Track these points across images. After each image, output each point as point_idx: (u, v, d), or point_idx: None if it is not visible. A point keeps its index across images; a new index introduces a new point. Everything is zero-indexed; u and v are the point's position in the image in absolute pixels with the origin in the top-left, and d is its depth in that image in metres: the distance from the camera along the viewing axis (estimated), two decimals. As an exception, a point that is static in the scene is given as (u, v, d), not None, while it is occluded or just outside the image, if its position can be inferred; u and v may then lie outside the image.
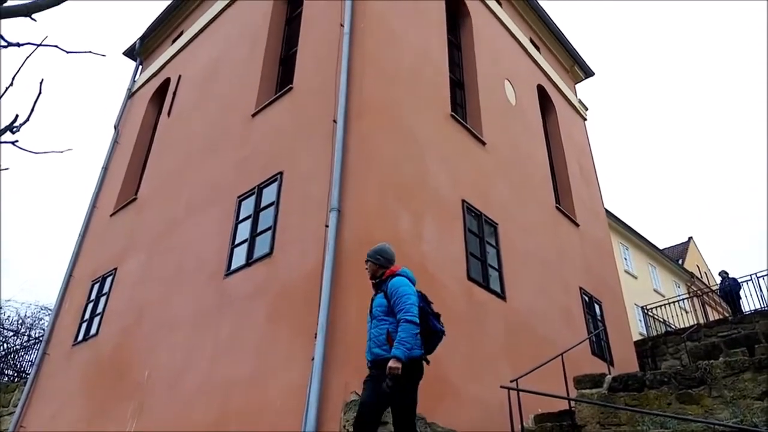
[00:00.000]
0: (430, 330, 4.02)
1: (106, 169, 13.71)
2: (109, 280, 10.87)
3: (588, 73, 16.91)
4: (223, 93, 11.02)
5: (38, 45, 1.88)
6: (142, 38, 15.55)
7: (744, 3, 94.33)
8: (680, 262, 31.51)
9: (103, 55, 2.15)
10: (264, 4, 11.36)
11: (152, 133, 13.35)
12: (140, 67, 15.82)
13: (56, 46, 1.96)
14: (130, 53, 15.98)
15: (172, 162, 11.33)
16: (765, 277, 14.17)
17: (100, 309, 10.61)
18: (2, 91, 2.04)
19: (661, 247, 29.30)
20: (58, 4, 1.72)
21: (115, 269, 10.85)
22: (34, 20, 1.75)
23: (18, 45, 1.88)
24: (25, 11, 1.71)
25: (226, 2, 12.86)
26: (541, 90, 14.18)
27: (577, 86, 16.89)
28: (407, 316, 3.82)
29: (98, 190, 13.45)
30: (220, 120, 10.57)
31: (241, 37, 11.52)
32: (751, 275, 14.51)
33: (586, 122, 16.22)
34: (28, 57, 1.93)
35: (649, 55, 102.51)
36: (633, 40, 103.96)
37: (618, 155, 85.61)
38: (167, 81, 13.73)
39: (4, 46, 1.82)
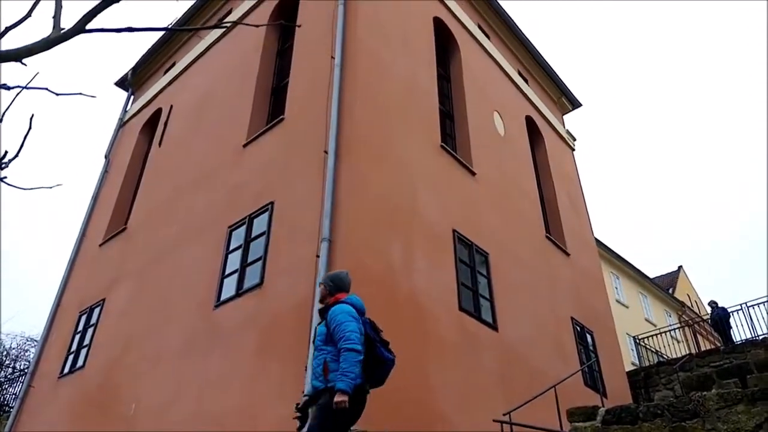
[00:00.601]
0: (378, 359, 3.81)
1: (96, 198, 13.65)
2: (97, 311, 10.72)
3: (575, 104, 17.18)
4: (215, 123, 11.07)
5: (27, 88, 1.89)
6: (134, 69, 15.65)
7: (716, 43, 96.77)
8: (670, 291, 31.59)
9: (93, 96, 2.16)
10: (256, 36, 11.51)
11: (143, 163, 13.34)
12: (132, 97, 15.88)
13: (46, 89, 1.96)
14: (122, 84, 16.06)
15: (162, 192, 11.30)
16: (754, 307, 14.22)
17: (87, 340, 10.44)
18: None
19: (651, 276, 29.40)
20: (49, 48, 1.73)
21: (103, 300, 10.71)
22: (25, 65, 1.76)
23: (7, 88, 1.88)
24: (16, 56, 1.72)
25: (219, 34, 13.01)
26: (529, 121, 14.38)
27: (565, 117, 17.15)
28: (347, 344, 3.59)
29: (87, 219, 13.36)
30: (211, 150, 10.59)
31: (233, 68, 11.63)
32: (740, 305, 14.55)
33: (574, 152, 16.41)
34: (15, 98, 1.93)
35: (635, 84, 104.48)
36: (619, 71, 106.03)
37: (606, 184, 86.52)
38: (159, 111, 13.79)
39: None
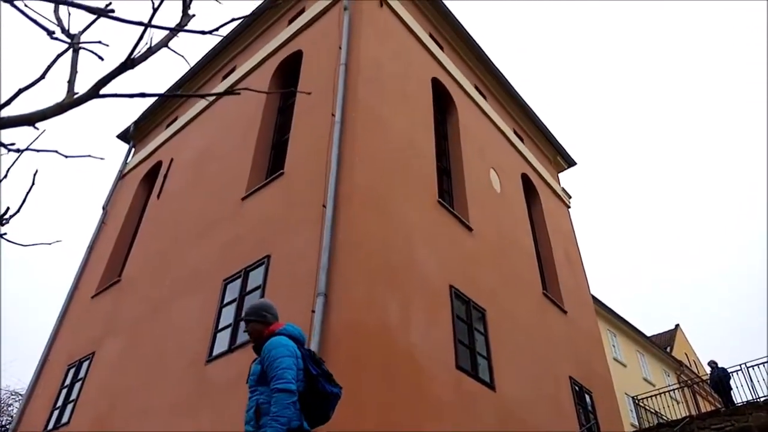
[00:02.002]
0: (321, 394, 3.45)
1: (91, 249, 13.59)
2: (86, 364, 10.49)
3: (570, 162, 17.46)
4: (214, 177, 11.17)
5: (38, 150, 1.92)
6: (137, 122, 15.92)
7: (706, 96, 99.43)
8: (668, 349, 31.19)
9: (102, 159, 2.19)
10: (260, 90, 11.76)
11: (140, 215, 13.37)
12: (133, 150, 16.08)
13: (56, 151, 1.99)
14: (123, 136, 16.30)
15: (158, 244, 11.27)
16: (755, 368, 14.00)
17: (74, 395, 10.15)
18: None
19: (648, 335, 29.08)
20: (62, 113, 1.76)
21: (93, 353, 10.49)
22: (37, 128, 1.79)
23: (18, 151, 1.91)
24: (29, 120, 1.75)
25: (223, 89, 13.31)
26: (525, 178, 14.57)
27: (561, 175, 17.39)
28: (279, 384, 3.23)
29: (81, 270, 13.26)
30: (209, 203, 10.65)
31: (235, 124, 11.84)
32: (740, 365, 14.31)
33: (570, 210, 16.55)
34: (17, 158, 1.95)
35: (630, 141, 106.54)
36: (613, 128, 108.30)
37: (601, 241, 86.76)
38: (159, 164, 13.93)
39: (4, 153, 1.86)
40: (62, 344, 11.83)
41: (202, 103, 13.73)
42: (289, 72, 11.86)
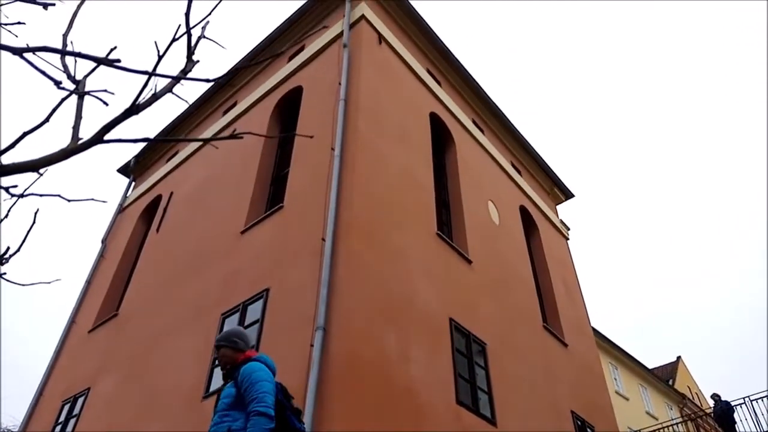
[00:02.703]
0: (290, 428, 3.29)
1: (89, 283, 13.54)
2: (81, 400, 10.34)
3: (568, 194, 17.56)
4: (214, 210, 11.21)
5: (41, 195, 1.95)
6: (137, 157, 16.04)
7: (705, 118, 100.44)
8: (670, 382, 30.80)
9: (104, 201, 2.22)
10: (259, 126, 11.92)
11: (139, 249, 13.37)
12: (133, 183, 16.17)
13: (59, 195, 2.02)
14: (124, 170, 16.41)
15: (157, 278, 11.25)
16: (759, 401, 13.82)
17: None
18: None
19: (650, 367, 28.75)
20: (66, 158, 1.80)
21: (88, 389, 10.36)
22: (41, 174, 1.83)
23: (22, 196, 1.95)
24: (33, 166, 1.79)
25: (224, 124, 13.47)
26: (523, 210, 14.63)
27: (559, 207, 17.46)
28: (259, 406, 3.05)
29: (79, 304, 13.18)
30: (208, 237, 10.66)
31: (235, 157, 11.94)
32: (744, 398, 14.15)
33: (568, 242, 16.57)
34: (16, 200, 1.98)
35: (628, 172, 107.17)
36: (611, 160, 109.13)
37: (600, 273, 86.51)
38: (159, 198, 13.99)
39: (7, 198, 1.89)
40: (58, 379, 11.68)
41: (202, 136, 13.88)
42: (289, 107, 12.02)
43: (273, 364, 3.50)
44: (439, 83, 13.42)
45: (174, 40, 1.91)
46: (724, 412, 14.64)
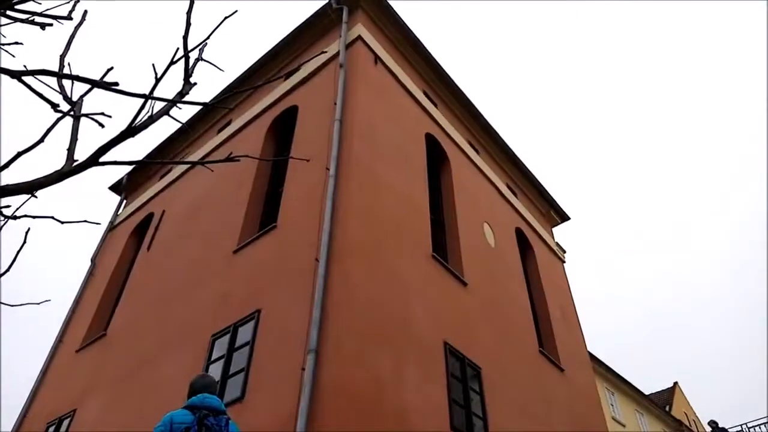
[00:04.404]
0: None
1: (77, 302, 13.33)
2: (66, 422, 10.09)
3: (564, 217, 17.56)
4: (206, 229, 11.10)
5: (34, 217, 1.88)
6: (130, 174, 15.94)
7: (700, 138, 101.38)
8: (667, 408, 30.57)
9: (98, 223, 2.16)
10: (254, 145, 11.88)
11: (129, 268, 13.20)
12: (124, 201, 16.04)
13: (52, 217, 1.96)
14: (116, 188, 16.28)
15: (147, 297, 11.08)
16: (756, 428, 13.72)
17: (50, 456, 9.72)
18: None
19: (646, 393, 28.53)
20: (61, 180, 1.75)
21: (74, 411, 10.12)
22: (36, 197, 1.78)
23: (15, 218, 1.88)
24: (28, 189, 1.74)
25: (218, 142, 13.42)
26: (519, 233, 14.59)
27: (555, 229, 17.45)
28: None
29: (66, 323, 12.96)
30: (200, 256, 10.53)
31: (229, 175, 11.86)
32: (742, 425, 14.06)
33: (564, 265, 16.52)
34: (5, 223, 1.91)
35: (624, 194, 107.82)
36: (606, 182, 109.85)
37: (596, 296, 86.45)
38: (150, 216, 13.87)
39: (4, 222, 1.83)
40: (43, 400, 11.42)
41: (196, 155, 13.81)
42: (284, 126, 12.00)
43: (199, 401, 3.69)
44: (435, 104, 13.46)
45: (172, 63, 1.86)
46: (720, 439, 14.52)
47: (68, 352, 12.03)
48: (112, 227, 15.24)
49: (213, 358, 8.21)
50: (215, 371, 7.97)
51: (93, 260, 14.37)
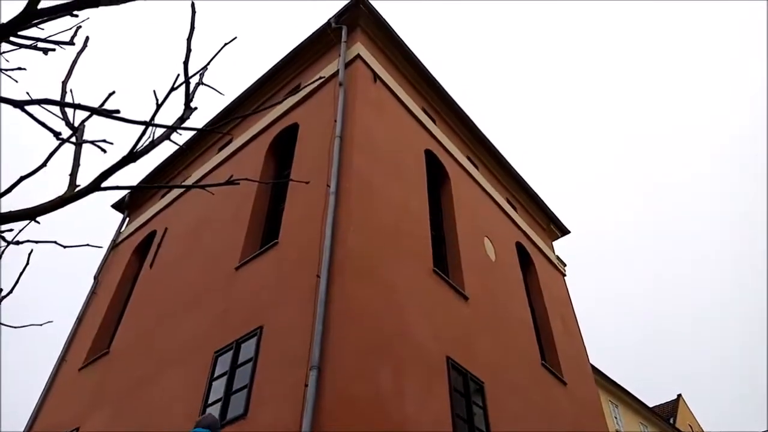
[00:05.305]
0: None
1: (80, 320, 13.37)
2: (68, 441, 10.08)
3: (564, 230, 17.60)
4: (209, 246, 11.16)
5: (36, 242, 1.95)
6: (132, 192, 16.04)
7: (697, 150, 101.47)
8: (672, 421, 30.35)
9: (100, 247, 2.22)
10: (255, 163, 11.99)
11: (132, 285, 13.25)
12: (127, 219, 16.13)
13: (54, 242, 2.03)
14: (118, 206, 16.38)
15: (150, 315, 11.12)
16: (761, 440, 13.61)
17: (53, 476, 9.70)
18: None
19: (650, 405, 28.34)
20: (63, 206, 1.81)
21: (77, 429, 10.11)
22: (38, 222, 1.84)
23: (17, 243, 1.94)
24: (30, 215, 1.80)
25: (219, 161, 13.53)
26: (519, 247, 14.62)
27: (555, 242, 17.48)
28: None
29: (69, 341, 12.98)
30: (203, 273, 10.59)
31: (231, 193, 11.93)
32: (746, 438, 13.93)
33: (565, 278, 16.52)
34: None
35: (625, 206, 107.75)
36: (606, 195, 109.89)
37: (597, 309, 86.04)
38: (153, 233, 13.95)
39: (5, 247, 1.89)
40: (46, 419, 11.41)
41: (199, 173, 13.92)
42: (284, 144, 12.12)
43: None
44: (433, 120, 13.58)
45: (173, 89, 1.93)
46: (726, 451, 14.39)
47: (71, 370, 12.04)
48: (114, 245, 15.31)
49: (216, 375, 8.23)
50: (218, 388, 8.00)
51: (96, 278, 14.43)
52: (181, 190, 14.04)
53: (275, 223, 10.43)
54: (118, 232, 15.71)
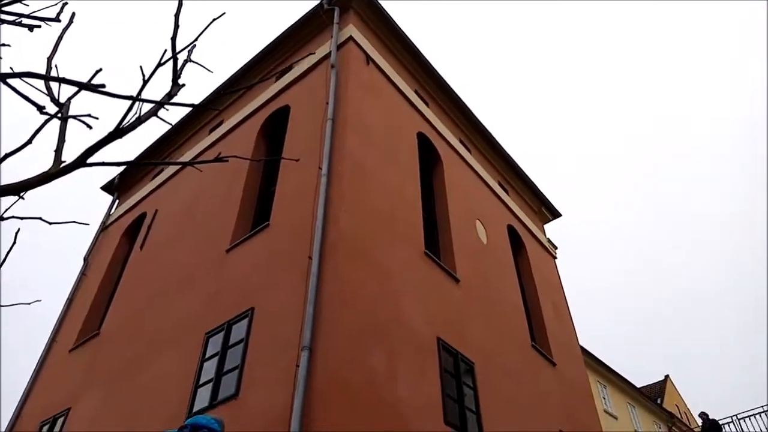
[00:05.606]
0: None
1: (70, 301, 13.33)
2: (60, 420, 10.11)
3: (555, 213, 17.66)
4: (199, 228, 11.12)
5: (22, 218, 1.92)
6: (122, 173, 15.92)
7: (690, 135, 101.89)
8: (659, 401, 30.83)
9: (87, 224, 2.20)
10: (246, 144, 11.90)
11: (122, 267, 13.20)
12: (117, 201, 16.02)
13: (40, 218, 2.00)
14: (108, 188, 16.26)
15: (140, 296, 11.10)
16: (746, 419, 13.89)
17: (45, 456, 9.74)
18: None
19: (638, 386, 28.77)
20: (48, 182, 1.78)
21: (69, 409, 10.14)
22: (23, 198, 1.81)
23: (1, 219, 1.91)
24: (15, 190, 1.77)
25: (210, 143, 13.43)
26: (511, 230, 14.67)
27: (546, 225, 17.55)
28: None
29: (60, 323, 12.96)
30: (193, 255, 10.56)
31: (222, 175, 11.88)
32: (732, 417, 14.22)
33: (556, 260, 16.62)
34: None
35: (615, 189, 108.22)
36: (597, 179, 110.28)
37: (587, 291, 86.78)
38: (143, 215, 13.87)
39: None
40: (37, 400, 11.43)
41: (188, 155, 13.81)
42: (276, 126, 12.03)
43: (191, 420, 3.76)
44: (426, 103, 13.51)
45: (160, 64, 1.90)
46: (712, 430, 14.68)
47: (62, 351, 12.03)
48: (104, 227, 15.22)
49: (207, 356, 8.25)
50: (209, 369, 8.03)
51: (86, 259, 14.36)
52: (171, 172, 13.94)
53: (266, 205, 10.39)
54: (108, 214, 15.62)
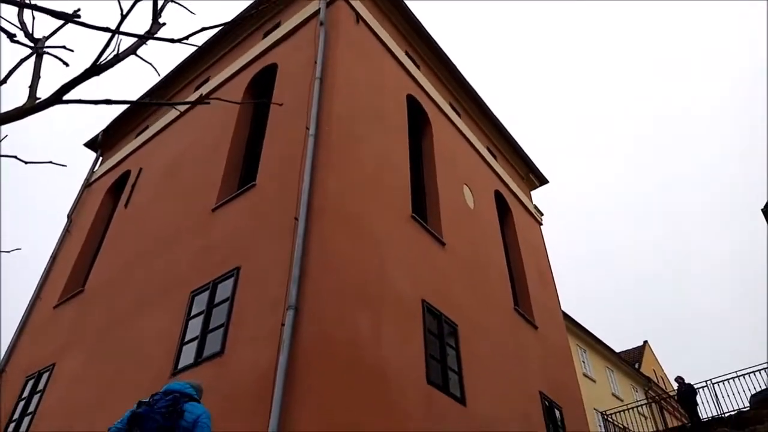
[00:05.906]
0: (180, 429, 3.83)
1: (54, 258, 13.24)
2: (45, 376, 10.16)
3: (542, 180, 17.70)
4: (185, 187, 11.01)
5: (-3, 155, 1.86)
6: (106, 131, 15.63)
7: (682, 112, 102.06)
8: (637, 366, 31.64)
9: (64, 165, 2.14)
10: (232, 104, 11.69)
11: (107, 225, 13.09)
12: (100, 158, 15.78)
13: (15, 157, 1.94)
14: (91, 145, 15.98)
15: (125, 254, 11.04)
16: (720, 384, 14.31)
17: (32, 408, 9.81)
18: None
19: (617, 351, 29.47)
20: (23, 117, 1.72)
21: (53, 365, 10.17)
22: None
23: None
24: None
25: (195, 100, 13.17)
26: (498, 195, 14.71)
27: (533, 192, 17.61)
28: None
29: (44, 279, 12.89)
30: (179, 213, 10.47)
31: (207, 134, 11.71)
32: (706, 381, 14.62)
33: (541, 227, 16.75)
34: None
35: (601, 159, 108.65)
36: (584, 146, 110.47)
37: (571, 257, 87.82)
38: (127, 173, 13.69)
39: None
40: (21, 355, 11.45)
41: (173, 113, 13.56)
42: (263, 84, 11.81)
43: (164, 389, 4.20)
44: (417, 65, 13.32)
45: (138, -1, 1.82)
46: (687, 394, 15.10)
47: (46, 307, 12.01)
48: (88, 184, 15.03)
49: (193, 314, 8.27)
50: (195, 327, 8.05)
51: (69, 216, 14.21)
52: (156, 130, 13.71)
53: (253, 165, 10.28)
54: (92, 171, 15.39)
